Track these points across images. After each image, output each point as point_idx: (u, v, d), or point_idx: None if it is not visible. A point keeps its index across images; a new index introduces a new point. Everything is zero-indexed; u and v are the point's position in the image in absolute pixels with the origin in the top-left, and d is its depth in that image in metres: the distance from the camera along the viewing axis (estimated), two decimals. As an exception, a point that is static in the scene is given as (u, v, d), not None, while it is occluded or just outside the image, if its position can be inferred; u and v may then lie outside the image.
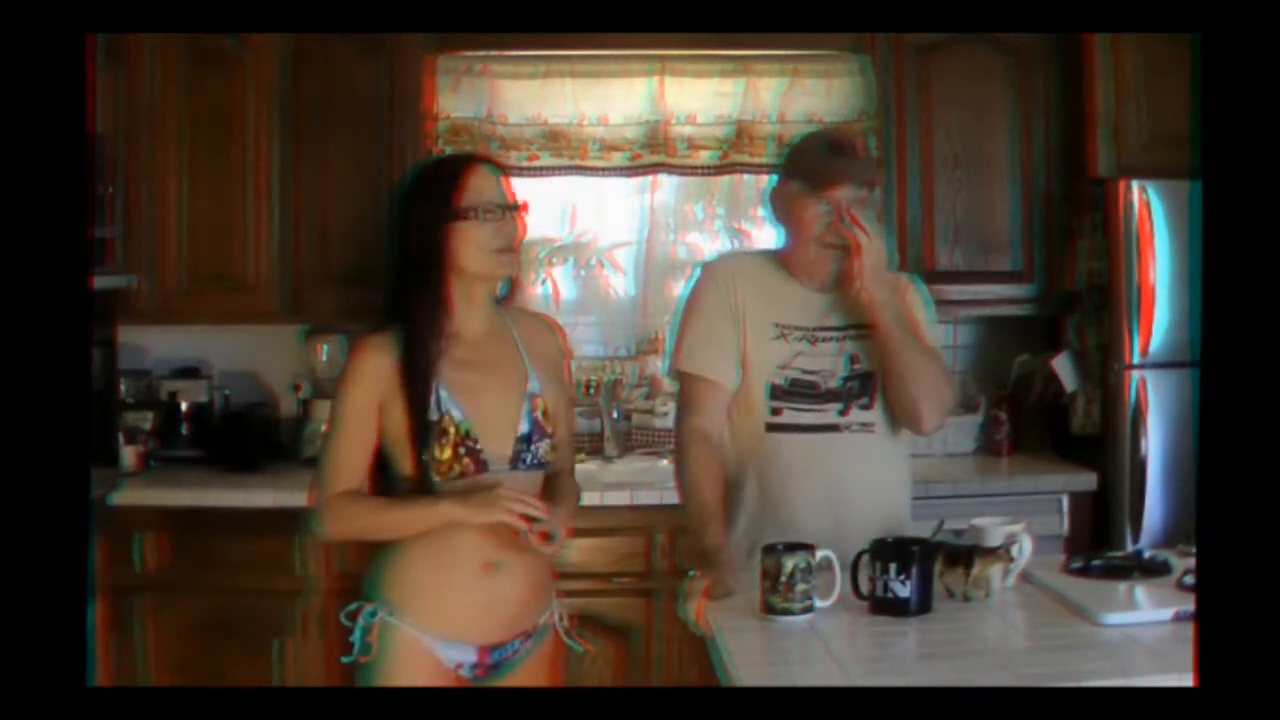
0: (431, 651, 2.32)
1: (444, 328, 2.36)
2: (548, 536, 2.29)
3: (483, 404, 2.36)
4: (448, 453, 2.30)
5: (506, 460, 2.37)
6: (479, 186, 2.35)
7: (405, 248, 2.35)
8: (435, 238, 2.32)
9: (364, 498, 2.35)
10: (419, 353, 2.32)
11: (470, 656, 2.35)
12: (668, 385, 4.16)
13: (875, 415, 2.62)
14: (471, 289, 2.38)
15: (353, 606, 2.36)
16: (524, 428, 2.39)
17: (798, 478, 2.57)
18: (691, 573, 2.38)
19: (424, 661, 2.32)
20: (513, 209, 2.38)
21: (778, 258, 2.69)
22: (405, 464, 2.32)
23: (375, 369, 2.32)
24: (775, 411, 2.58)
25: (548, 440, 2.41)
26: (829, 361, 2.60)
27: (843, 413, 2.60)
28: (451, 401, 2.32)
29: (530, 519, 2.26)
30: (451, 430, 2.31)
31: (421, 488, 2.31)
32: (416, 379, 2.31)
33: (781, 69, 4.07)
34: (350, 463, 2.34)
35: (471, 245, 2.33)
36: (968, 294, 4.05)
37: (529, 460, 2.39)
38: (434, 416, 2.30)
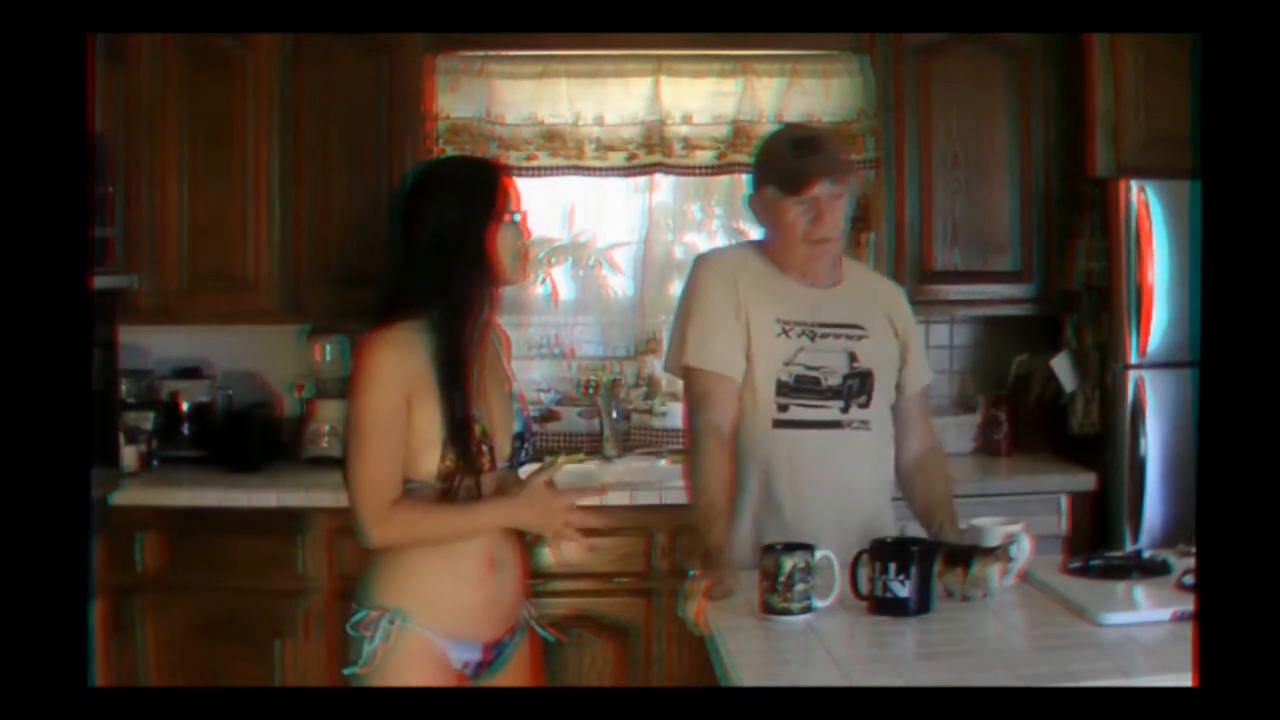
0: (443, 652, 2.31)
1: (480, 326, 2.35)
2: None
3: (490, 404, 2.37)
4: (473, 451, 2.29)
5: (505, 459, 2.39)
6: (514, 191, 2.37)
7: (445, 244, 2.28)
8: (484, 236, 2.31)
9: (422, 505, 2.28)
10: (461, 350, 2.28)
11: (476, 655, 2.36)
12: (666, 385, 4.16)
13: (871, 414, 2.64)
14: (494, 290, 2.38)
15: (359, 616, 2.29)
16: (518, 427, 2.42)
17: (802, 475, 2.58)
18: (692, 572, 2.38)
19: (435, 663, 2.30)
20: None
21: (769, 253, 2.69)
22: (425, 463, 2.27)
23: (403, 366, 2.25)
24: (782, 408, 2.59)
25: (534, 439, 2.49)
26: (830, 358, 2.61)
27: (844, 410, 2.61)
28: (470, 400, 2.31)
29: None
30: (476, 429, 2.30)
31: (449, 488, 2.28)
32: (458, 377, 2.27)
33: (780, 69, 4.06)
34: (394, 466, 2.26)
35: (510, 248, 2.34)
36: (967, 294, 4.06)
37: (522, 458, 2.44)
38: (459, 415, 2.28)
